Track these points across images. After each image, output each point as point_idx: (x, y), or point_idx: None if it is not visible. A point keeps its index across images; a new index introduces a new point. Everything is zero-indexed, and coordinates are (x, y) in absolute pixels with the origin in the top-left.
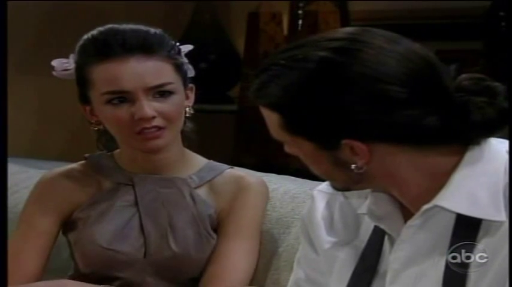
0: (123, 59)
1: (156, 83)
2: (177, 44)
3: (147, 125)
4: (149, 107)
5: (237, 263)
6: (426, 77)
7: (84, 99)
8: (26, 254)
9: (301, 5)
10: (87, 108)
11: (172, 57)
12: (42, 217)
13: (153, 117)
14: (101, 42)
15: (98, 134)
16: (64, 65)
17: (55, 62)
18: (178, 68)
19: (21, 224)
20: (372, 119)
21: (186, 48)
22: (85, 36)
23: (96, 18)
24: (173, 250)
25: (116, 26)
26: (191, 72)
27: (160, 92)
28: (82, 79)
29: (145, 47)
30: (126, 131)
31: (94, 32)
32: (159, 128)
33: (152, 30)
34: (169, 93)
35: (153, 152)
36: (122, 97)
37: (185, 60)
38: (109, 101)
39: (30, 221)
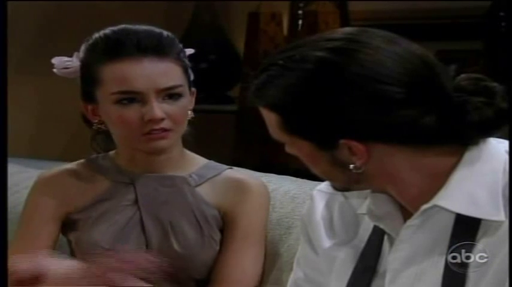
0: (136, 60)
1: (168, 85)
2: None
3: (156, 127)
4: (159, 108)
5: (247, 269)
6: (424, 77)
7: (89, 97)
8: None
9: (301, 5)
10: (89, 107)
11: (181, 60)
12: (43, 219)
13: (162, 119)
14: (113, 41)
15: (94, 134)
16: (66, 63)
17: (55, 60)
18: (186, 71)
19: (22, 226)
20: (369, 119)
21: (188, 51)
22: (96, 35)
23: (96, 18)
24: (176, 250)
25: (129, 26)
26: (191, 76)
27: (170, 94)
28: (89, 77)
29: (158, 48)
30: (133, 131)
31: (106, 31)
32: (165, 129)
33: (165, 32)
34: (178, 95)
35: (156, 153)
36: (132, 97)
37: (189, 63)
38: (118, 101)
39: (31, 224)
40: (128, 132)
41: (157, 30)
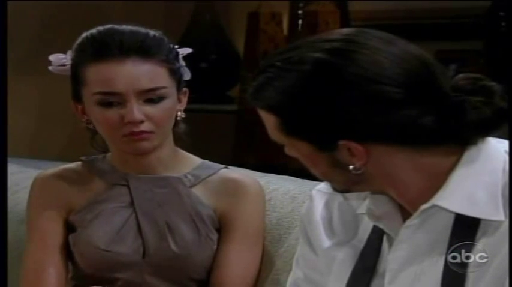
0: (119, 61)
1: (149, 87)
2: (176, 47)
3: (135, 129)
4: (139, 111)
5: (245, 269)
6: (422, 77)
7: (77, 97)
8: (51, 268)
9: (301, 5)
10: (79, 107)
11: (169, 61)
12: (47, 218)
13: (142, 122)
14: (98, 42)
15: (92, 133)
16: (61, 60)
17: (52, 57)
18: (174, 73)
19: (29, 228)
20: (368, 120)
21: (185, 51)
22: (83, 35)
23: (96, 18)
24: (173, 250)
25: (115, 26)
26: (187, 76)
27: (152, 96)
28: (76, 77)
29: (142, 50)
30: (114, 133)
31: (93, 31)
32: (145, 132)
33: (152, 33)
34: (161, 97)
35: (139, 154)
36: (113, 99)
37: (182, 63)
38: (100, 102)
39: (36, 223)
40: (109, 133)
41: (143, 30)
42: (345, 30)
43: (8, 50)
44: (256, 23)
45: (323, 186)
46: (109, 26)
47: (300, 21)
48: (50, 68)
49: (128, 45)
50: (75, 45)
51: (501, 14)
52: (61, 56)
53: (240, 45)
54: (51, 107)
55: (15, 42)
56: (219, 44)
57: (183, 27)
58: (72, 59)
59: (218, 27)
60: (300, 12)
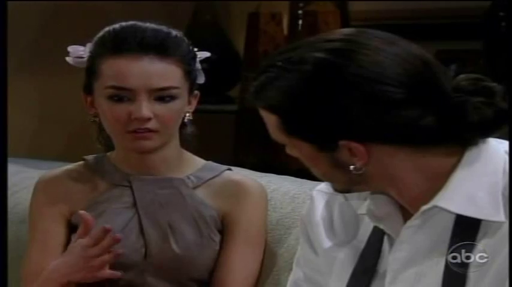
0: (136, 57)
1: (161, 86)
2: (195, 49)
3: (141, 126)
4: (147, 108)
5: (247, 271)
6: (423, 77)
7: (88, 89)
8: None
9: (301, 5)
10: (89, 99)
11: (185, 62)
12: (49, 220)
13: (149, 119)
14: (119, 36)
15: (99, 128)
16: (79, 52)
17: (71, 48)
18: (188, 74)
19: (31, 230)
20: (368, 120)
21: (203, 55)
22: (106, 28)
23: (96, 18)
24: (175, 251)
25: (138, 23)
26: (201, 79)
27: (163, 94)
28: (91, 69)
29: (161, 48)
30: (119, 128)
31: (116, 25)
32: (151, 130)
33: (173, 32)
34: (172, 97)
35: (140, 153)
36: (124, 94)
37: (198, 66)
38: (110, 96)
39: (39, 225)
40: (114, 128)
41: (165, 29)
42: (346, 30)
43: (8, 50)
44: (256, 23)
45: (324, 186)
46: (132, 22)
47: (300, 21)
48: (67, 59)
49: (148, 42)
50: (95, 38)
51: (501, 14)
52: (80, 47)
53: (240, 45)
54: (51, 107)
55: (15, 42)
56: (219, 44)
57: (183, 27)
58: (90, 52)
59: (218, 27)
60: (300, 12)
